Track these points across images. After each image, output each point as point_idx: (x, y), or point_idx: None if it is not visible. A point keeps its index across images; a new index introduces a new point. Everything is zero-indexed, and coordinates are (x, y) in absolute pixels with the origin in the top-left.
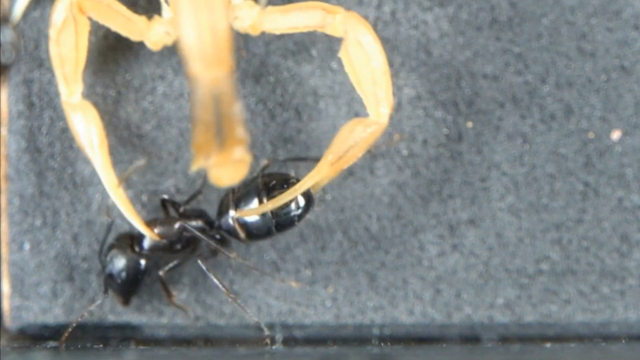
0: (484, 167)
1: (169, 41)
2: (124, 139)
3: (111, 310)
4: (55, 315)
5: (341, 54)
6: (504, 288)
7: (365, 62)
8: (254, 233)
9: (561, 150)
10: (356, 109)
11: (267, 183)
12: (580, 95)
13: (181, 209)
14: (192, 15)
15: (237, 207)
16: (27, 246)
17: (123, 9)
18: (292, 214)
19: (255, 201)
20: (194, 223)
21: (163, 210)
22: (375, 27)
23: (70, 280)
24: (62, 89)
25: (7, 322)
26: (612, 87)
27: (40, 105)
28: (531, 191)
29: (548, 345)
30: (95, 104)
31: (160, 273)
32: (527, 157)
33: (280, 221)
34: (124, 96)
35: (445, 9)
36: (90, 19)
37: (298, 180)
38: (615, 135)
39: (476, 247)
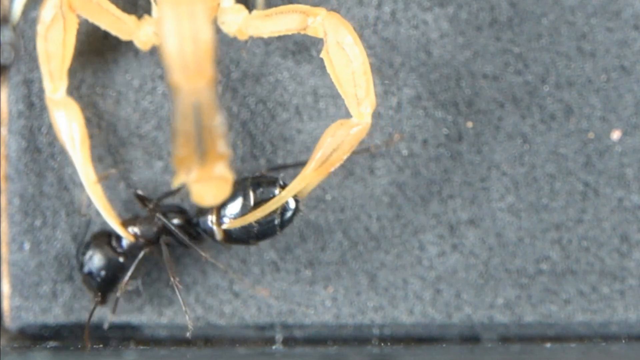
0: (484, 167)
1: (157, 41)
2: (124, 139)
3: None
4: (55, 315)
5: (322, 55)
6: (504, 288)
7: (346, 63)
8: (233, 238)
9: (561, 150)
10: None
11: (253, 186)
12: (580, 95)
13: (151, 205)
14: (175, 24)
15: (220, 209)
16: (27, 246)
17: (113, 7)
18: (276, 221)
19: (240, 204)
20: (173, 220)
21: (140, 203)
22: (375, 27)
23: (70, 280)
24: (47, 85)
25: (7, 322)
26: (612, 87)
27: (40, 105)
28: (531, 191)
29: (548, 345)
30: (95, 104)
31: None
32: (527, 157)
33: (262, 229)
34: (124, 96)
35: (445, 9)
36: (79, 17)
37: (284, 184)
38: (615, 135)
39: (476, 247)
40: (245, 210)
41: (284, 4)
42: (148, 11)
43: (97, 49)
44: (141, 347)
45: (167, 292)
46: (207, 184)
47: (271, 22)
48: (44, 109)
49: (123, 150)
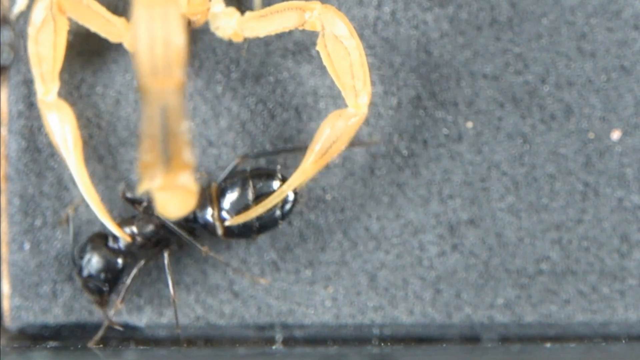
0: (484, 167)
1: (130, 43)
2: (124, 139)
3: (111, 311)
4: (55, 315)
5: (318, 47)
6: (504, 288)
7: (343, 55)
8: (235, 233)
9: (561, 150)
10: None
11: (252, 179)
12: (580, 95)
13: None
14: (147, 26)
15: (219, 202)
16: (27, 246)
17: (103, 10)
18: (277, 214)
19: (240, 198)
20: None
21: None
22: (375, 27)
23: (70, 280)
24: (39, 87)
25: (7, 322)
26: (612, 87)
27: None
28: (531, 191)
29: (548, 345)
30: (95, 104)
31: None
32: (527, 157)
33: (264, 222)
34: (124, 96)
35: (445, 9)
36: (69, 19)
37: (283, 176)
38: (615, 135)
39: (476, 247)
40: (245, 203)
41: (278, 2)
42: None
43: (97, 49)
44: (141, 347)
45: (167, 292)
46: (172, 193)
47: (268, 21)
48: None
49: (123, 150)
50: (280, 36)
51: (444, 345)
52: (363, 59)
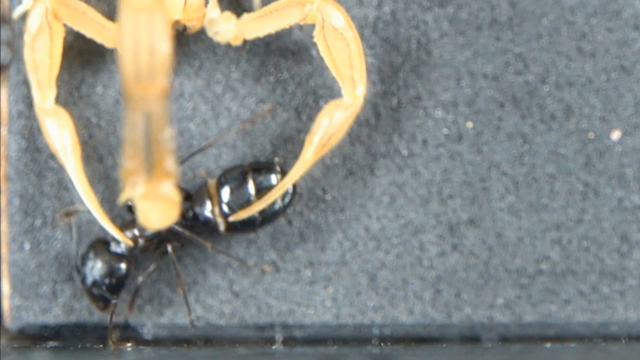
0: (484, 167)
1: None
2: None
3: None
4: (55, 315)
5: (317, 39)
6: (504, 288)
7: (342, 46)
8: (237, 227)
9: (561, 150)
10: None
11: (252, 173)
12: (580, 95)
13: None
14: (132, 32)
15: (220, 198)
16: (27, 246)
17: (98, 16)
18: (278, 206)
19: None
20: None
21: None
22: (375, 27)
23: (70, 280)
24: (36, 94)
25: (7, 322)
26: (612, 87)
27: None
28: (531, 191)
29: (548, 345)
30: (95, 104)
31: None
32: (527, 157)
33: (266, 216)
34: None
35: (445, 9)
36: (65, 25)
37: (282, 168)
38: (615, 135)
39: (476, 247)
40: (247, 197)
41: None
42: None
43: (97, 49)
44: (141, 347)
45: (167, 292)
46: (153, 203)
47: (268, 20)
48: None
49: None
50: (280, 36)
51: (444, 345)
52: (360, 50)
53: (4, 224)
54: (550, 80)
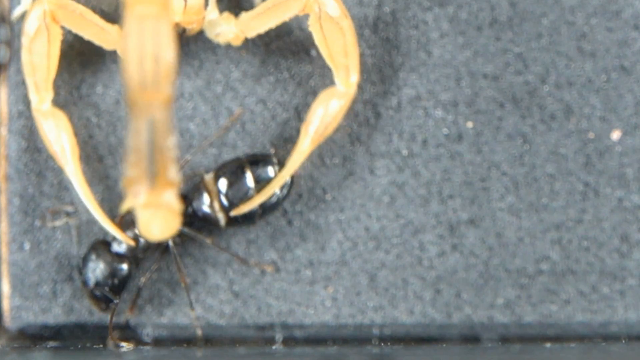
0: (484, 167)
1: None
2: (123, 139)
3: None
4: (55, 315)
5: (312, 28)
6: (504, 288)
7: (338, 35)
8: (237, 220)
9: (561, 150)
10: (356, 109)
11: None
12: (580, 95)
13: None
14: (137, 39)
15: (218, 193)
16: (27, 246)
17: (96, 18)
18: (277, 197)
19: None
20: None
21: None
22: (375, 27)
23: (70, 280)
24: (33, 96)
25: (7, 322)
26: (612, 87)
27: None
28: (531, 191)
29: (548, 345)
30: (95, 104)
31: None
32: (527, 157)
33: (266, 206)
34: (124, 96)
35: (445, 9)
36: (63, 27)
37: (279, 160)
38: (615, 135)
39: (476, 247)
40: (246, 190)
41: None
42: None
43: (97, 49)
44: (141, 347)
45: (167, 292)
46: (155, 213)
47: (268, 15)
48: None
49: (123, 150)
50: (280, 36)
51: (444, 345)
52: (355, 40)
53: (4, 224)
54: (550, 80)
